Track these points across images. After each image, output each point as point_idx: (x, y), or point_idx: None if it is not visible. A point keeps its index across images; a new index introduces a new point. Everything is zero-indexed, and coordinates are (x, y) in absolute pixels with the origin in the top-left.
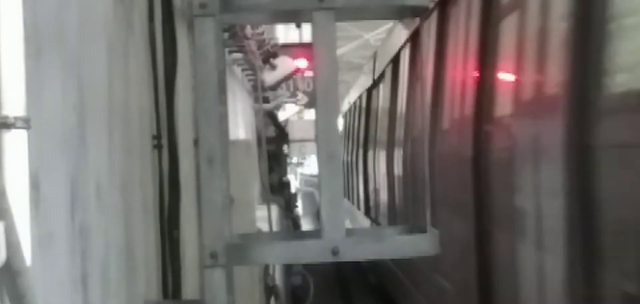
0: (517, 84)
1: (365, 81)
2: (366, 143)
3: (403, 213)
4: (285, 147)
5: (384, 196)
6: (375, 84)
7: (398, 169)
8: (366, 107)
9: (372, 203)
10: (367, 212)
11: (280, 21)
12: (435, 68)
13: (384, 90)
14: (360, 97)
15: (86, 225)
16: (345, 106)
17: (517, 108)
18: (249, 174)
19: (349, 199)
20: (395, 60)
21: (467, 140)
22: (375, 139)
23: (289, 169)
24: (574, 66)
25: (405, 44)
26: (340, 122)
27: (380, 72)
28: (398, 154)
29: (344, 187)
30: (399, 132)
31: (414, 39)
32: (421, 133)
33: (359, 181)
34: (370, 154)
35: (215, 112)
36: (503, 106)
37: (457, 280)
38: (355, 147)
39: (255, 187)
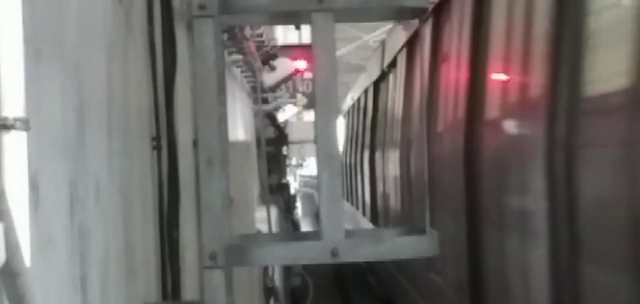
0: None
1: (371, 73)
2: (373, 141)
3: (421, 222)
4: (284, 149)
5: (395, 201)
6: (384, 75)
7: (417, 170)
8: (373, 102)
9: (380, 208)
10: (375, 219)
11: (280, 22)
12: (476, 43)
13: (396, 79)
14: (365, 92)
15: (85, 226)
16: (347, 102)
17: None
18: (249, 176)
19: (352, 204)
20: (411, 43)
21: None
22: (385, 136)
23: (288, 170)
24: None
25: (426, 18)
26: (342, 123)
27: (391, 60)
28: (417, 152)
29: (346, 190)
30: (419, 126)
31: (440, 10)
32: (454, 125)
33: (365, 183)
34: (378, 153)
35: (214, 113)
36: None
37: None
38: (360, 146)
39: (254, 189)
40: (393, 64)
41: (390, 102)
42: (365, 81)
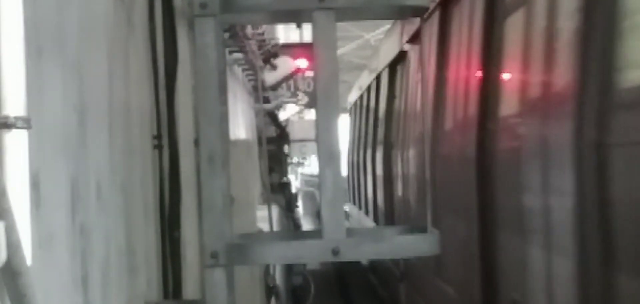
0: None
1: (385, 56)
2: (387, 136)
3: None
4: (285, 147)
5: (417, 206)
6: (404, 54)
7: (460, 169)
8: (388, 90)
9: (398, 214)
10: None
11: (281, 21)
12: None
13: (423, 55)
14: (377, 78)
15: (87, 225)
16: (353, 95)
17: None
18: (250, 174)
19: (360, 207)
20: (446, 4)
21: None
22: (405, 130)
23: (289, 169)
24: None
25: None
26: (347, 119)
27: (413, 33)
28: (457, 147)
29: (352, 191)
30: (458, 113)
31: None
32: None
33: (377, 184)
34: (395, 150)
35: (215, 112)
36: None
37: None
38: (370, 141)
39: (255, 187)
40: (416, 37)
41: (413, 85)
42: (375, 69)
